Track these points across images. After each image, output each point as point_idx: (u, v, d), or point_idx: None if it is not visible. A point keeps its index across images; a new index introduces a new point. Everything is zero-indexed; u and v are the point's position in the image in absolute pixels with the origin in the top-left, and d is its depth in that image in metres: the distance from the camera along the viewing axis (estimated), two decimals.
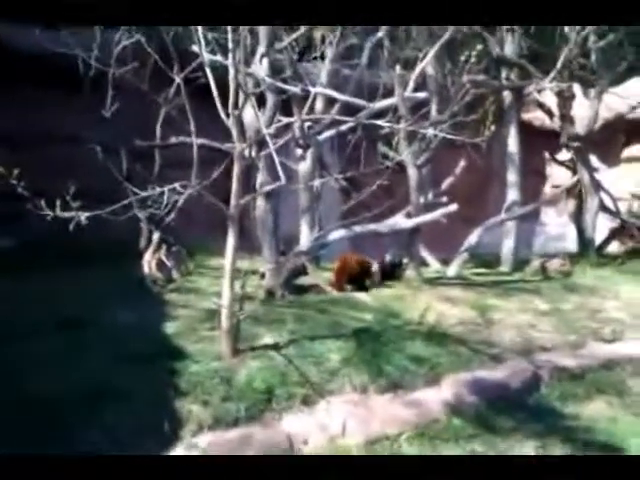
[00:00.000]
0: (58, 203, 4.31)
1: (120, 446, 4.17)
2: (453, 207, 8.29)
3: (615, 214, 12.22)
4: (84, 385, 4.74)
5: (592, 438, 5.17)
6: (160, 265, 7.82)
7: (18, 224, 10.15)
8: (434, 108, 8.80)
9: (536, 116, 13.76)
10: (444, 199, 8.92)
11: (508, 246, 10.87)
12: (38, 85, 9.77)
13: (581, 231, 11.95)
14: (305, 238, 8.26)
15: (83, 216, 4.29)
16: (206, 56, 5.28)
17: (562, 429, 5.31)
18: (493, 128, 5.64)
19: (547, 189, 15.70)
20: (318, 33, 8.46)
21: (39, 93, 9.94)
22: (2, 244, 9.56)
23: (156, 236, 8.08)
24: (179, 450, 4.29)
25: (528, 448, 4.94)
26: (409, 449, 4.84)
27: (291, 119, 5.64)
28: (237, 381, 5.04)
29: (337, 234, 7.90)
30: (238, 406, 4.79)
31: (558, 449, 4.93)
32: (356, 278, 8.00)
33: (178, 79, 5.51)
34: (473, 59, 6.55)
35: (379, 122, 5.37)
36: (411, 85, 8.24)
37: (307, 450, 4.66)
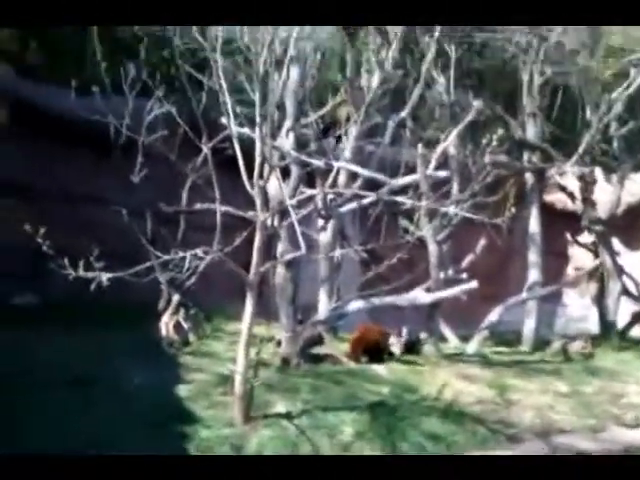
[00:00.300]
0: (81, 263, 4.40)
1: None
2: (473, 284, 8.27)
3: (638, 298, 12.04)
4: (89, 444, 4.71)
5: None
6: (177, 327, 7.86)
7: (42, 282, 10.36)
8: (455, 187, 8.94)
9: (558, 198, 13.82)
10: (464, 276, 8.92)
11: (529, 326, 10.74)
12: (69, 146, 10.14)
13: (603, 314, 11.77)
14: (323, 307, 8.27)
15: (105, 277, 4.38)
16: (234, 128, 5.49)
17: None
18: (513, 210, 5.71)
19: (569, 271, 15.58)
20: (343, 111, 8.75)
21: (69, 153, 10.30)
22: (26, 301, 9.73)
23: (175, 299, 8.16)
24: None
25: None
26: None
27: (314, 191, 5.77)
28: (248, 449, 4.97)
29: (355, 305, 7.90)
30: None
31: None
32: (373, 349, 7.89)
33: (206, 149, 5.70)
34: (495, 142, 6.70)
35: (400, 198, 5.48)
36: (433, 163, 8.42)
37: None
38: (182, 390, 5.96)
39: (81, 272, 4.41)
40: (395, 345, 8.04)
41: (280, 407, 5.76)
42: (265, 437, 5.17)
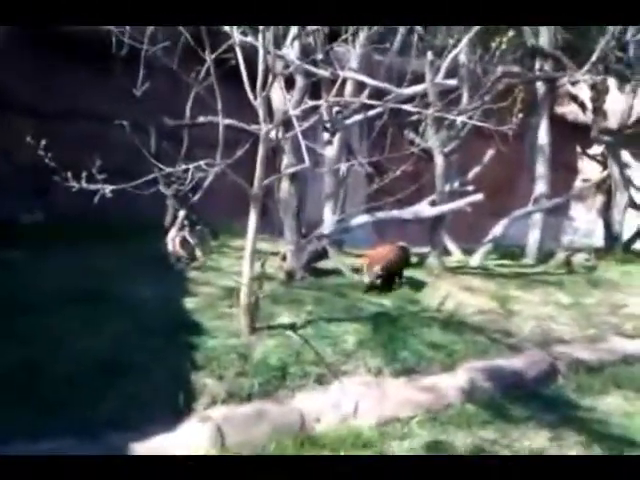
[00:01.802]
0: (84, 175, 4.39)
1: (137, 415, 4.29)
2: (479, 196, 8.22)
3: None
4: (104, 355, 4.87)
5: (606, 431, 5.14)
6: (184, 243, 7.93)
7: (46, 198, 10.41)
8: (465, 96, 8.72)
9: (570, 110, 13.55)
10: (470, 188, 8.86)
11: (533, 238, 10.78)
12: (69, 60, 9.90)
13: (608, 226, 11.79)
14: (328, 222, 8.29)
15: (108, 189, 4.37)
16: (237, 37, 5.30)
17: (576, 421, 5.28)
18: (521, 116, 5.57)
19: (577, 184, 15.48)
20: None
21: (70, 68, 10.08)
22: (31, 218, 9.79)
23: (181, 214, 8.19)
24: (193, 421, 4.40)
25: (541, 438, 4.94)
26: (420, 432, 4.87)
27: (318, 102, 5.63)
28: (253, 358, 5.12)
29: (360, 219, 7.91)
30: (252, 382, 4.87)
31: (572, 440, 4.92)
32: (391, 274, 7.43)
33: (209, 59, 5.53)
34: (504, 46, 6.44)
35: (406, 107, 5.35)
36: (442, 72, 8.17)
37: (319, 428, 4.73)
38: (189, 302, 6.08)
39: (84, 184, 4.39)
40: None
41: (284, 318, 5.88)
42: (270, 346, 5.31)
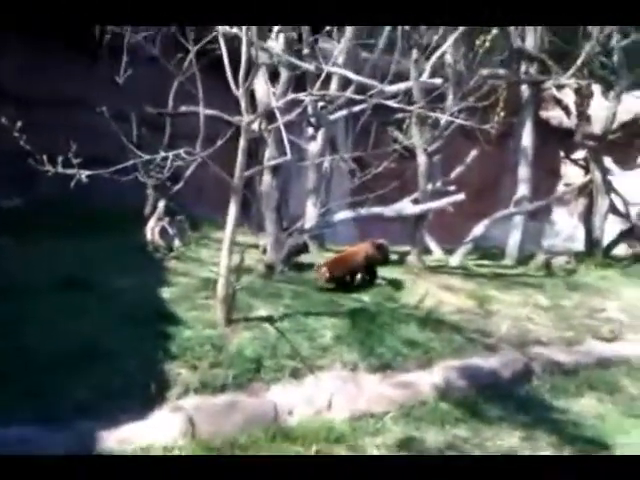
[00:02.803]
0: (60, 160, 4.33)
1: (108, 404, 4.25)
2: (460, 196, 8.26)
3: (625, 217, 12.11)
4: (77, 343, 4.81)
5: (579, 433, 5.20)
6: (163, 233, 7.87)
7: (26, 185, 10.28)
8: (450, 95, 8.74)
9: (554, 114, 13.65)
10: (452, 188, 8.89)
11: (514, 239, 10.84)
12: (54, 47, 9.80)
13: (589, 231, 11.89)
14: (310, 217, 8.26)
15: (84, 174, 4.31)
16: (220, 27, 5.26)
17: (550, 422, 5.32)
18: (503, 115, 5.59)
19: (560, 188, 15.60)
20: None
21: (53, 55, 9.97)
22: (10, 204, 9.66)
23: (161, 204, 8.13)
24: (164, 411, 4.36)
25: (514, 438, 4.97)
26: (393, 428, 4.88)
27: (301, 94, 5.61)
28: (228, 349, 5.09)
29: (342, 215, 7.91)
30: (227, 373, 4.84)
31: (544, 441, 4.94)
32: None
33: (192, 50, 5.49)
34: (488, 44, 6.46)
35: (390, 103, 5.35)
36: (427, 71, 8.19)
37: (292, 421, 4.71)
38: (166, 292, 6.02)
39: (59, 169, 4.33)
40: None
41: (262, 311, 5.84)
42: (245, 338, 5.27)
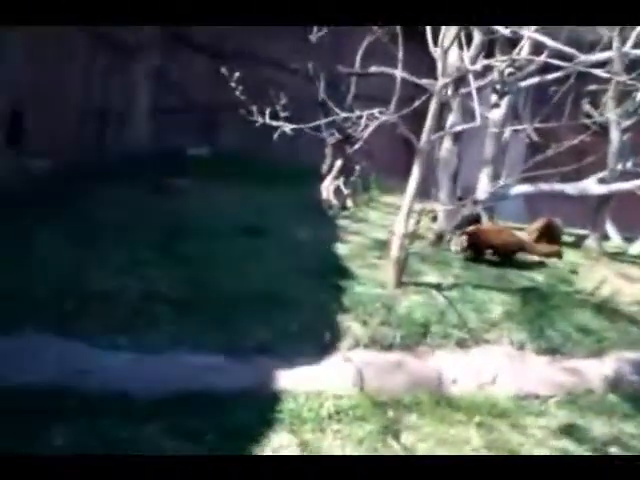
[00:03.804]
0: (267, 111, 4.55)
1: (286, 346, 4.53)
2: None
3: None
4: (258, 286, 5.15)
5: None
6: (337, 192, 8.10)
7: (214, 135, 11.03)
8: None
9: None
10: None
11: None
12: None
13: None
14: (484, 187, 8.05)
15: (288, 127, 4.51)
16: None
17: None
18: None
19: None
20: None
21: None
22: (199, 152, 10.44)
23: (338, 164, 8.34)
24: (336, 360, 4.56)
25: None
26: (557, 412, 4.74)
27: (498, 58, 5.43)
28: (397, 310, 5.19)
29: (520, 189, 7.61)
30: (395, 333, 4.95)
31: None
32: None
33: None
34: None
35: (596, 71, 5.01)
36: (632, 41, 7.52)
37: (455, 390, 4.73)
38: (340, 248, 6.24)
39: (267, 120, 4.57)
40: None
41: (431, 277, 5.87)
42: (415, 302, 5.34)
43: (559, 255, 7.33)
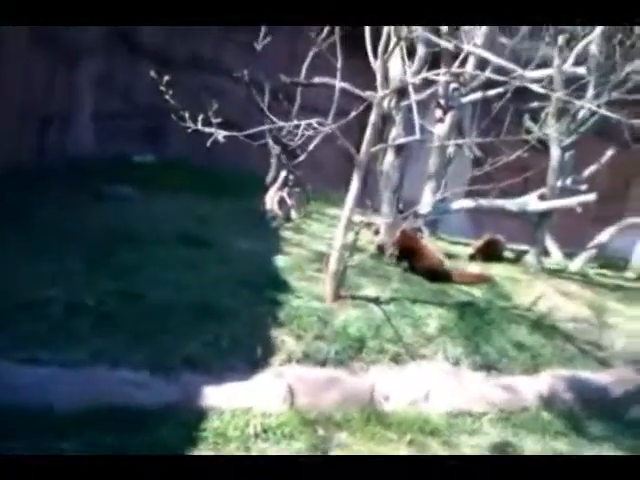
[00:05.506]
0: (200, 118, 4.44)
1: (216, 360, 4.39)
2: (592, 196, 7.80)
3: None
4: (190, 297, 4.99)
5: None
6: (281, 203, 8.03)
7: (159, 142, 10.82)
8: (591, 88, 8.19)
9: None
10: (584, 187, 8.39)
11: None
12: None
13: None
14: (427, 201, 8.09)
15: (221, 135, 4.40)
16: None
17: None
18: None
19: None
20: None
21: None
22: (144, 159, 10.24)
23: (283, 174, 8.27)
24: (267, 375, 4.45)
25: None
26: (491, 430, 4.74)
27: (439, 71, 5.44)
28: (333, 324, 5.10)
29: (461, 203, 7.67)
30: (330, 347, 4.86)
31: None
32: None
33: None
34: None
35: (534, 87, 5.07)
36: (571, 59, 7.71)
37: (387, 406, 4.67)
38: (280, 260, 6.12)
39: (199, 126, 4.45)
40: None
41: (370, 291, 5.81)
42: (351, 316, 5.26)
43: (490, 282, 7.06)
